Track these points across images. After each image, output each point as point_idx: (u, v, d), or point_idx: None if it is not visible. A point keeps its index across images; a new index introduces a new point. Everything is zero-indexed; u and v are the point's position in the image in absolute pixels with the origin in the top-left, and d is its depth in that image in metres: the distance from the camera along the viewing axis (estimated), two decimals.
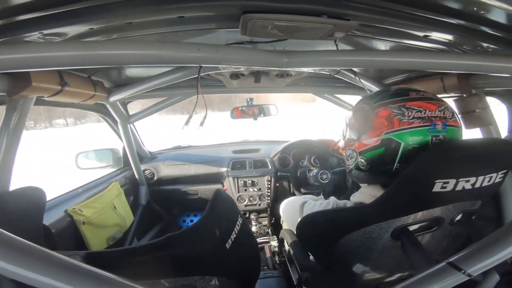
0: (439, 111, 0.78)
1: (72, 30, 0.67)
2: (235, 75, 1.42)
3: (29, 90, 0.84)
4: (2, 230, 0.39)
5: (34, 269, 0.38)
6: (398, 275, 1.00)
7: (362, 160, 0.86)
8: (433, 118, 0.77)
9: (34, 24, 0.58)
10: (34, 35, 0.64)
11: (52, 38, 0.68)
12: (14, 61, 0.54)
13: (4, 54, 0.53)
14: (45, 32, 0.64)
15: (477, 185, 0.76)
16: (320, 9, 0.66)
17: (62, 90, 0.98)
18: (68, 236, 1.33)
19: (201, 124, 1.02)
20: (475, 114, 1.08)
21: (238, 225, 0.71)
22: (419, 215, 0.82)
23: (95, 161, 2.05)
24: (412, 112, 0.77)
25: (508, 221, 1.09)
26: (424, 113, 0.77)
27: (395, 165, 0.80)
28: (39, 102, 1.02)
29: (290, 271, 1.55)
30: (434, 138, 0.77)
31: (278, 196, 2.18)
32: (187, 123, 1.01)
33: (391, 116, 0.79)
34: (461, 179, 0.74)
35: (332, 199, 1.00)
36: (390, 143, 0.79)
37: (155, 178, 2.22)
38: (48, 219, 1.25)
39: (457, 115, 0.82)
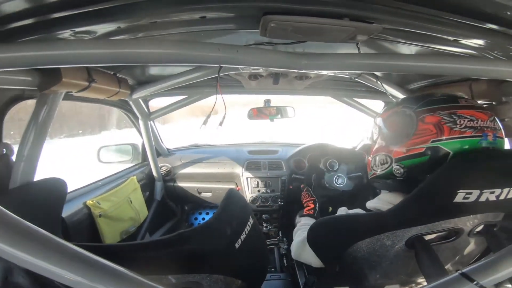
0: (490, 121, 0.74)
1: (101, 28, 0.69)
2: (254, 76, 1.42)
3: (59, 85, 0.87)
4: (21, 219, 0.40)
5: (48, 260, 0.39)
6: (409, 284, 0.97)
7: (399, 167, 0.81)
8: (485, 129, 0.73)
9: (67, 22, 0.60)
10: (66, 33, 0.67)
11: (82, 36, 0.70)
12: (48, 57, 0.57)
13: (39, 50, 0.56)
14: (77, 30, 0.66)
15: (502, 197, 0.73)
16: (342, 12, 0.64)
17: (90, 86, 1.01)
18: (84, 228, 1.38)
19: (220, 124, 1.02)
20: (504, 123, 1.03)
21: (249, 225, 0.71)
22: (437, 224, 0.78)
23: (116, 155, 2.12)
24: (464, 120, 0.73)
25: None
26: (477, 122, 0.73)
27: None
28: (67, 97, 1.06)
29: (297, 275, 1.54)
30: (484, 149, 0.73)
31: (290, 198, 2.16)
32: (205, 122, 1.02)
33: (441, 124, 0.74)
34: (485, 190, 0.71)
35: (343, 209, 0.98)
36: (438, 152, 0.74)
37: (171, 175, 2.27)
38: (68, 210, 1.30)
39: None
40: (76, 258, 0.41)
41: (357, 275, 0.92)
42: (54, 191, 0.96)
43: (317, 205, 1.44)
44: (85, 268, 0.40)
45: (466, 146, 0.72)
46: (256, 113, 1.98)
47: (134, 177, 1.88)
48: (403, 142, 0.80)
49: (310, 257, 0.99)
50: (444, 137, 0.74)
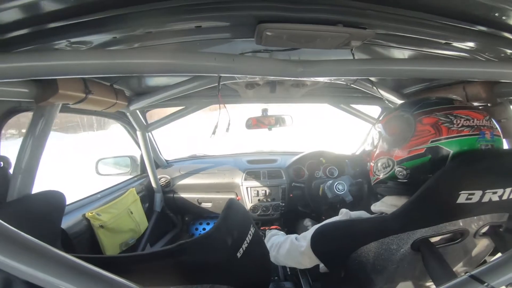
0: (485, 120, 0.76)
1: (96, 38, 0.70)
2: (251, 85, 1.43)
3: (56, 97, 0.87)
4: (19, 231, 0.40)
5: (48, 271, 0.38)
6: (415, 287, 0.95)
7: (402, 169, 0.82)
8: (482, 127, 0.74)
9: (62, 32, 0.61)
10: (62, 43, 0.67)
11: (78, 46, 0.71)
12: (43, 68, 0.57)
13: (35, 61, 0.56)
14: (72, 40, 0.66)
15: (505, 197, 0.72)
16: (336, 18, 0.66)
17: (87, 98, 1.01)
18: (84, 240, 1.36)
19: (227, 130, 1.03)
20: (501, 124, 1.03)
21: (250, 234, 0.70)
22: (442, 226, 0.78)
23: (114, 168, 2.12)
24: (460, 120, 0.74)
25: None
26: (473, 121, 0.74)
27: None
28: (64, 109, 1.06)
29: (302, 283, 1.51)
30: (484, 147, 0.74)
31: (291, 206, 2.15)
32: (214, 132, 1.03)
33: (438, 124, 0.75)
34: (488, 191, 0.70)
35: (345, 211, 0.97)
36: (438, 151, 0.75)
37: (170, 186, 2.26)
38: (67, 223, 1.29)
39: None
40: (76, 269, 0.40)
41: (363, 280, 0.91)
42: (53, 203, 0.95)
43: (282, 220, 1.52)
44: (85, 280, 0.39)
45: (465, 145, 0.73)
46: (255, 123, 1.99)
47: (133, 188, 1.87)
48: (403, 144, 0.81)
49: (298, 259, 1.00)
50: (442, 137, 0.75)
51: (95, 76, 1.01)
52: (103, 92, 1.16)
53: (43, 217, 0.91)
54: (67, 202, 1.02)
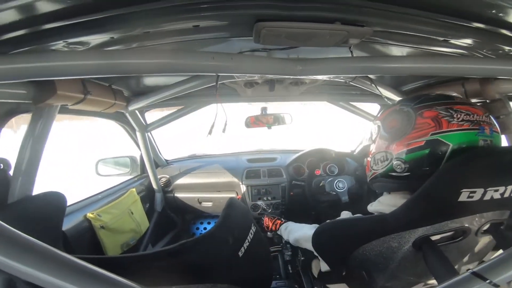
0: (485, 116, 0.77)
1: (94, 39, 0.69)
2: (249, 84, 1.43)
3: (54, 98, 0.87)
4: (21, 233, 0.40)
5: (50, 272, 0.38)
6: (418, 285, 0.95)
7: (400, 162, 0.82)
8: (481, 123, 0.76)
9: (59, 32, 0.61)
10: (59, 44, 0.67)
11: (75, 47, 0.70)
12: (41, 69, 0.57)
13: (32, 62, 0.56)
14: (69, 40, 0.66)
15: (507, 195, 0.73)
16: (334, 16, 0.66)
17: (85, 99, 1.01)
18: (86, 241, 1.36)
19: (223, 130, 1.03)
20: (499, 121, 1.03)
21: (251, 233, 0.70)
22: (443, 225, 0.78)
23: (114, 168, 2.12)
24: (461, 114, 0.76)
25: None
26: (473, 116, 0.76)
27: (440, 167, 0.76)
28: (63, 110, 1.06)
29: (304, 281, 1.51)
30: (483, 142, 0.75)
31: (292, 204, 2.15)
32: (210, 132, 1.02)
33: (438, 117, 0.76)
34: (489, 188, 0.71)
35: (346, 213, 0.98)
36: (437, 144, 0.76)
37: (170, 186, 2.26)
38: (68, 224, 1.29)
39: None
40: (78, 270, 0.40)
41: (365, 278, 0.91)
42: (53, 205, 0.95)
43: (283, 217, 1.54)
44: (87, 280, 0.40)
45: (465, 139, 0.74)
46: (254, 121, 1.99)
47: (134, 189, 1.87)
48: (403, 137, 0.82)
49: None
50: (443, 130, 0.75)
51: (94, 76, 1.01)
52: (102, 93, 1.16)
53: (44, 219, 0.91)
54: (68, 203, 1.02)
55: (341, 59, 0.79)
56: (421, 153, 0.78)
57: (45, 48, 0.67)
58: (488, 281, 0.48)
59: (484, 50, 0.82)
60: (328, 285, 1.13)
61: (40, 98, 0.86)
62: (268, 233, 2.10)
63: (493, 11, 0.55)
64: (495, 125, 0.78)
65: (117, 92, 1.28)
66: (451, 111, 0.76)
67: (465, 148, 0.75)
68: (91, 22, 0.57)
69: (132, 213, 1.72)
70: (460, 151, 0.75)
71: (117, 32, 0.67)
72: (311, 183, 2.03)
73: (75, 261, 0.41)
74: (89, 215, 1.40)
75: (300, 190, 2.10)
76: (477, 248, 0.88)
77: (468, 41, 0.76)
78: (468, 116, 0.75)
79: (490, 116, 0.79)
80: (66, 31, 0.60)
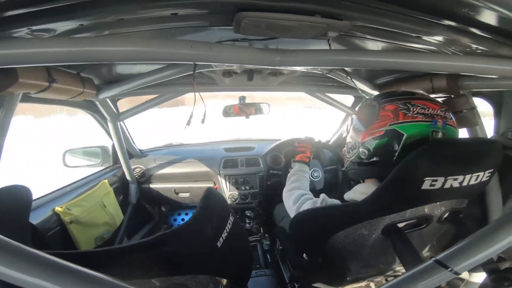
0: (441, 111, 0.84)
1: (61, 26, 0.65)
2: (228, 73, 1.41)
3: (16, 86, 0.81)
4: None
5: (21, 270, 0.37)
6: (388, 272, 1.02)
7: (364, 150, 0.91)
8: (435, 116, 0.83)
9: (22, 20, 0.57)
10: (22, 31, 0.63)
11: (40, 34, 0.66)
12: (1, 56, 0.52)
13: None
14: (34, 28, 0.62)
15: (465, 184, 0.79)
16: (314, 8, 0.66)
17: (50, 87, 0.95)
18: (57, 236, 1.30)
19: (202, 121, 1.01)
20: (462, 115, 1.10)
21: (229, 223, 0.70)
22: (408, 212, 0.83)
23: (83, 159, 2.01)
24: (416, 108, 0.84)
25: (493, 220, 1.13)
26: (428, 110, 0.83)
27: (395, 155, 0.84)
28: (25, 99, 0.99)
29: (283, 270, 1.56)
30: (434, 133, 0.83)
31: (269, 194, 2.18)
32: (188, 122, 1.00)
33: (397, 110, 0.85)
34: (449, 177, 0.76)
35: (323, 196, 1.02)
36: (394, 133, 0.84)
37: (145, 177, 2.20)
38: (36, 218, 1.22)
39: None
40: (50, 266, 0.38)
41: (339, 266, 0.96)
42: (18, 198, 0.89)
43: (312, 155, 1.43)
44: (62, 277, 0.38)
45: (417, 129, 0.83)
46: (231, 110, 1.97)
47: (106, 180, 1.79)
48: (368, 127, 0.90)
49: None
50: (399, 121, 0.84)
51: (60, 64, 0.94)
52: (69, 81, 1.09)
53: (8, 213, 0.85)
54: (34, 197, 0.96)
55: (319, 52, 0.79)
56: (381, 141, 0.86)
57: (7, 36, 0.63)
58: (449, 269, 0.51)
59: (453, 47, 0.87)
60: (304, 273, 1.17)
61: (1, 86, 0.79)
62: (247, 224, 2.14)
63: (465, 10, 0.58)
64: (450, 119, 0.86)
65: (86, 80, 1.21)
66: (408, 105, 0.84)
67: (419, 138, 0.82)
68: (58, 8, 0.53)
69: (105, 206, 1.65)
70: (416, 142, 0.82)
71: (86, 19, 0.64)
72: (287, 172, 2.07)
73: (47, 257, 0.39)
74: (58, 208, 1.33)
75: (278, 180, 2.13)
76: (441, 236, 0.96)
77: (439, 38, 0.80)
78: (423, 110, 0.83)
79: (448, 112, 0.86)
80: (30, 18, 0.56)
